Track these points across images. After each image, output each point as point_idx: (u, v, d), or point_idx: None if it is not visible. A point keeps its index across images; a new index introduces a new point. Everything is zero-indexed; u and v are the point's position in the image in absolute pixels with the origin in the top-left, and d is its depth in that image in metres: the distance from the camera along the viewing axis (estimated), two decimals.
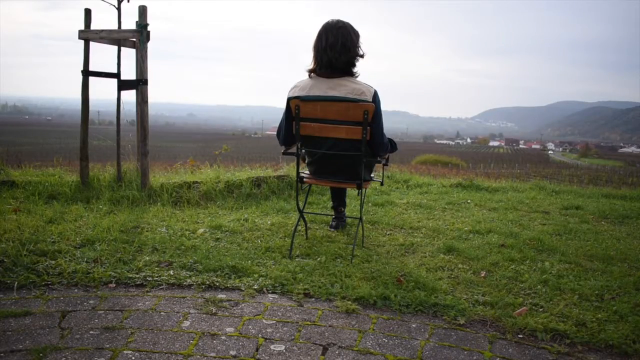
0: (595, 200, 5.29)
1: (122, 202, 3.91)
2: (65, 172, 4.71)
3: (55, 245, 2.75)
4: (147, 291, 2.32)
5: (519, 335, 2.05)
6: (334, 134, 2.89)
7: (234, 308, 2.18)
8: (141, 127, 4.16)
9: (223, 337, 1.92)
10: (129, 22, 4.70)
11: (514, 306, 2.29)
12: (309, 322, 2.08)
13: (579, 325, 2.12)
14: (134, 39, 4.17)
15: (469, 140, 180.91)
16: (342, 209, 3.59)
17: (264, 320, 2.07)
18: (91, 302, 2.18)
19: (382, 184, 3.69)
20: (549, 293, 2.47)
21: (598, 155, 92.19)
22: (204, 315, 2.09)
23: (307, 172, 3.22)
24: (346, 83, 2.91)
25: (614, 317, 2.21)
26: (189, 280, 2.43)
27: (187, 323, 2.02)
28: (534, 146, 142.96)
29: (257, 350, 1.83)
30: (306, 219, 3.45)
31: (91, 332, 1.91)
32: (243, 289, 2.37)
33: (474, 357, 1.86)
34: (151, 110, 4.30)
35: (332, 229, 3.50)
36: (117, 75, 4.22)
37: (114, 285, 2.36)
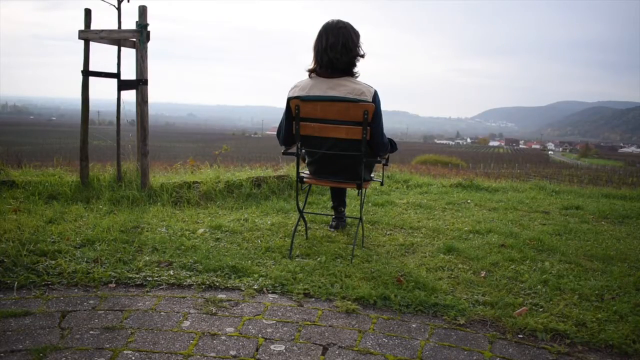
0: (595, 200, 5.29)
1: (122, 202, 3.91)
2: (65, 172, 4.70)
3: (55, 245, 2.75)
4: (147, 291, 2.32)
5: (519, 335, 2.05)
6: (334, 134, 2.89)
7: (234, 308, 2.18)
8: (141, 127, 4.16)
9: (223, 337, 1.92)
10: (129, 22, 4.70)
11: (514, 306, 2.29)
12: (309, 322, 2.08)
13: (579, 325, 2.12)
14: (134, 39, 4.17)
15: (469, 140, 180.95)
16: (342, 209, 3.59)
17: (264, 320, 2.07)
18: (91, 302, 2.18)
19: (382, 184, 3.69)
20: (549, 293, 2.47)
21: (598, 155, 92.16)
22: (204, 315, 2.09)
23: (307, 172, 3.22)
24: (346, 83, 2.90)
25: (614, 317, 2.21)
26: (189, 280, 2.43)
27: (187, 323, 2.02)
28: (533, 146, 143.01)
29: (257, 350, 1.83)
30: (306, 219, 3.45)
31: (91, 332, 1.91)
32: (243, 289, 2.37)
33: (474, 357, 1.86)
34: (151, 110, 4.30)
35: (332, 229, 3.50)
36: (117, 75, 4.22)
37: (114, 285, 2.36)
